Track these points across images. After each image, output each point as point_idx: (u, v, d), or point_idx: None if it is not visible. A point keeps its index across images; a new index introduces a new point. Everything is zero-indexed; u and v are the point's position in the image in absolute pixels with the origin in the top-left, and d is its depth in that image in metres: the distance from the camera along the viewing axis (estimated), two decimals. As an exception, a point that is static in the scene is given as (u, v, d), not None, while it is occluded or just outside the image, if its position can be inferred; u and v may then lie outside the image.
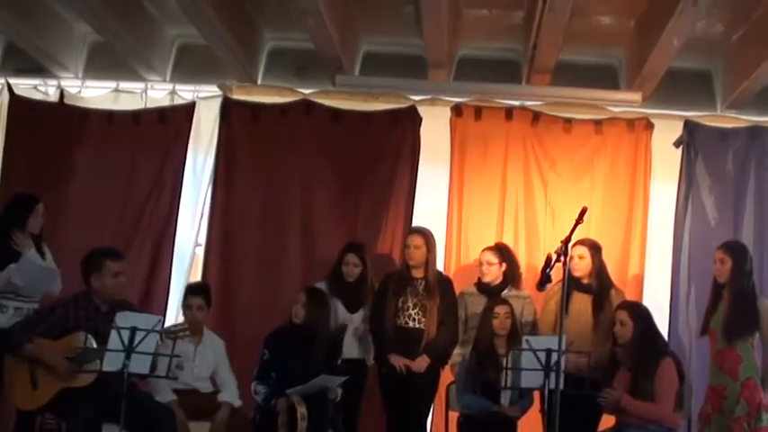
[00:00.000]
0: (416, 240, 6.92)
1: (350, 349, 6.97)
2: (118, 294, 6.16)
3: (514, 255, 7.27)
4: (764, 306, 6.33)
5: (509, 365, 6.11)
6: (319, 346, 6.55)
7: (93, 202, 8.00)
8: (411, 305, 6.84)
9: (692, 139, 7.71)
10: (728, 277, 6.37)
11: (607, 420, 6.58)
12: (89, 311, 6.07)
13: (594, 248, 6.90)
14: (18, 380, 5.96)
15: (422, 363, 6.72)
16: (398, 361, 6.72)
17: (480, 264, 7.17)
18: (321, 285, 7.02)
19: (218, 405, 6.59)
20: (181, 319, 7.19)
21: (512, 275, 7.14)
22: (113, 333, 5.64)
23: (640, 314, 6.37)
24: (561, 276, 5.82)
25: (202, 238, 8.04)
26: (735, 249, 6.49)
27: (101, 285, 6.10)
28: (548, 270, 5.73)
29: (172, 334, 6.08)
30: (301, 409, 6.32)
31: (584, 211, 5.71)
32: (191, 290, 6.94)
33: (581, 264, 6.83)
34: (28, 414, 6.23)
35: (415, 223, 7.69)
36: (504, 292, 7.01)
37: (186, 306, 6.82)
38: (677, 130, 7.75)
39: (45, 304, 6.38)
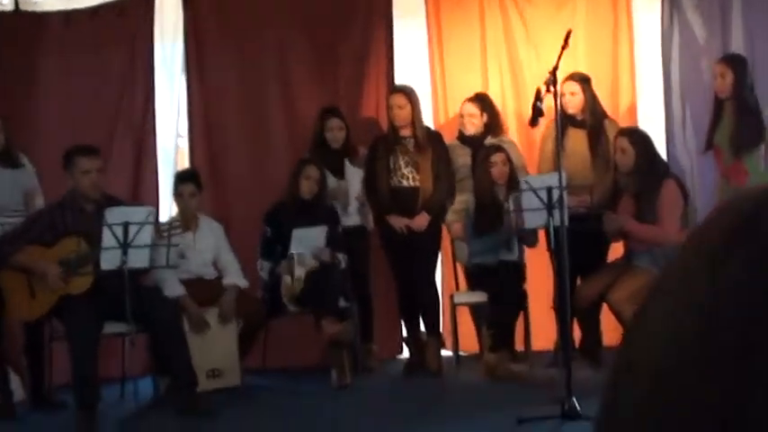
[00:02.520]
0: (399, 100, 6.79)
1: (348, 217, 6.91)
2: (93, 192, 5.97)
3: (494, 103, 7.11)
4: None
5: (511, 210, 6.07)
6: (322, 216, 6.55)
7: (66, 107, 7.79)
8: (403, 164, 6.76)
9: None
10: (731, 91, 6.25)
11: (614, 254, 6.56)
12: (75, 213, 5.94)
13: (584, 81, 6.75)
14: (16, 291, 5.89)
15: (422, 220, 6.66)
16: (398, 222, 6.67)
17: (461, 116, 7.04)
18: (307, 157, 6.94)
19: (224, 289, 6.57)
20: (174, 209, 7.12)
21: (493, 124, 6.99)
22: (106, 230, 5.57)
23: (640, 139, 6.29)
24: (553, 114, 5.69)
25: (183, 129, 7.88)
26: (736, 62, 6.37)
27: (74, 184, 5.96)
28: (538, 103, 5.59)
29: (165, 231, 6.01)
30: (298, 271, 6.32)
31: (568, 35, 5.56)
32: (180, 177, 6.84)
33: (573, 100, 6.68)
34: (36, 328, 6.20)
35: (397, 82, 7.51)
36: (487, 141, 6.88)
37: (177, 194, 6.73)
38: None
39: (31, 214, 6.27)
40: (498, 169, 6.53)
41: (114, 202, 6.08)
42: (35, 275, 5.82)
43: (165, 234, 5.98)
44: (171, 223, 6.29)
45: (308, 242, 6.47)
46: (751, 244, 0.58)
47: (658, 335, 0.60)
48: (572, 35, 6.87)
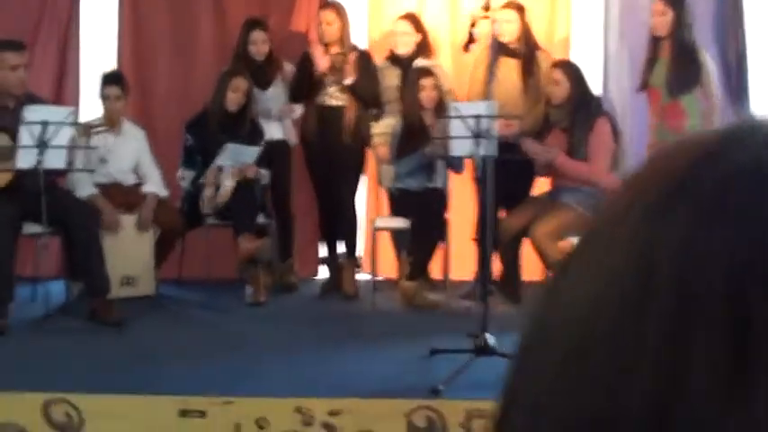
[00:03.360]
0: (328, 16, 6.65)
1: (270, 130, 6.80)
2: (19, 89, 5.82)
3: (424, 24, 6.98)
4: (705, 58, 6.17)
5: (438, 135, 6.00)
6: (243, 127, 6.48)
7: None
8: (329, 83, 6.63)
9: None
10: (669, 29, 6.13)
11: (539, 188, 6.55)
12: None
13: (520, 10, 6.64)
14: None
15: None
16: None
17: (394, 34, 6.92)
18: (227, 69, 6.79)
19: (143, 196, 6.46)
20: (97, 112, 6.95)
21: (423, 46, 6.87)
22: (23, 129, 5.43)
23: (575, 72, 6.21)
24: (486, 40, 5.59)
25: (112, 27, 7.65)
26: (676, 0, 6.26)
27: (1, 79, 5.78)
28: (472, 29, 5.50)
29: (89, 128, 5.88)
30: (228, 182, 6.24)
31: None
32: (106, 79, 6.63)
33: (508, 28, 6.51)
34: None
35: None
36: (416, 62, 6.78)
37: (104, 96, 6.54)
38: None
39: None
40: (427, 93, 6.44)
41: (37, 100, 5.92)
42: None
43: (89, 133, 5.85)
44: (94, 122, 6.15)
45: (237, 158, 6.37)
46: (697, 197, 0.50)
47: (578, 301, 0.52)
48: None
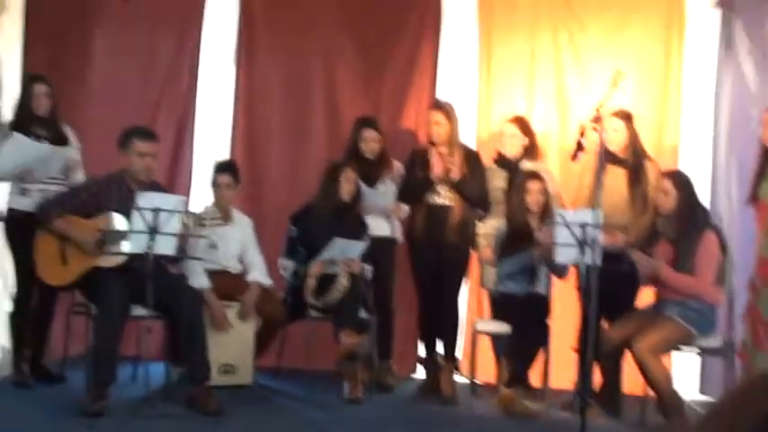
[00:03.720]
0: (437, 116, 6.70)
1: (377, 226, 6.86)
2: (145, 176, 6.04)
3: (532, 128, 7.03)
4: None
5: (542, 241, 6.00)
6: (347, 220, 6.57)
7: (114, 83, 7.84)
8: (437, 181, 6.67)
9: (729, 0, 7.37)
10: None
11: (646, 299, 6.45)
12: (122, 192, 5.97)
13: (627, 119, 6.60)
14: (48, 255, 5.93)
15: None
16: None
17: (502, 135, 6.97)
18: None
19: (247, 285, 6.55)
20: (208, 199, 7.11)
21: (531, 148, 6.93)
22: (136, 214, 5.57)
23: (684, 183, 6.10)
24: (595, 148, 5.60)
25: (226, 117, 7.87)
26: None
27: (128, 164, 6.01)
28: (581, 139, 5.52)
29: (201, 219, 6.02)
30: (343, 280, 6.28)
31: (618, 75, 5.47)
32: (219, 168, 6.83)
33: (616, 137, 6.52)
34: (50, 292, 6.29)
35: (444, 96, 7.46)
36: (524, 165, 6.82)
37: (215, 185, 6.73)
38: (714, -10, 7.42)
39: (80, 183, 6.32)
40: (533, 197, 6.45)
41: (160, 189, 6.11)
42: (70, 243, 5.86)
43: (203, 224, 5.99)
44: (209, 214, 6.31)
45: (344, 252, 6.42)
46: None
47: None
48: (621, 67, 6.87)
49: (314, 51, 7.77)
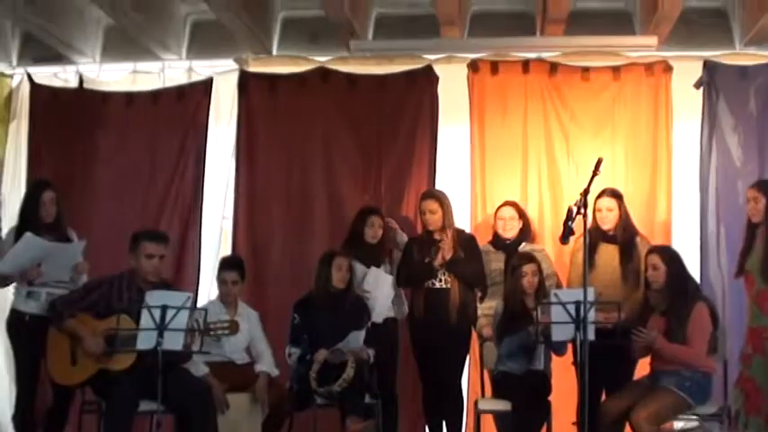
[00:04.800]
0: (431, 205, 6.91)
1: (381, 312, 6.99)
2: (152, 276, 6.23)
3: (525, 212, 7.27)
4: None
5: (539, 320, 6.14)
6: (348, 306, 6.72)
7: (119, 184, 8.07)
8: (435, 266, 6.84)
9: (712, 79, 7.60)
10: (763, 216, 6.26)
11: (641, 370, 6.59)
12: (132, 292, 6.16)
13: (620, 198, 6.85)
14: (59, 354, 6.08)
15: None
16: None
17: (499, 219, 7.16)
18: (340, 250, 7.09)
19: (255, 375, 6.67)
20: (213, 293, 7.27)
21: (527, 231, 7.14)
22: (144, 312, 5.73)
23: (672, 257, 6.33)
24: (581, 230, 5.80)
25: (228, 212, 8.08)
26: None
27: (136, 265, 6.20)
28: (569, 223, 5.71)
29: (211, 331, 6.18)
30: (351, 371, 6.39)
31: (599, 163, 5.68)
32: (225, 264, 6.99)
33: (610, 216, 6.77)
34: (65, 391, 6.39)
35: (438, 184, 7.70)
36: (521, 247, 7.01)
37: (221, 281, 6.89)
38: (697, 71, 7.65)
39: (91, 281, 6.47)
40: (528, 279, 6.63)
41: (171, 287, 6.29)
42: (80, 343, 6.01)
43: (212, 333, 6.17)
44: (220, 323, 6.45)
45: (350, 342, 6.57)
46: None
47: None
48: (612, 151, 7.13)
49: (312, 144, 8.01)
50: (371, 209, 7.24)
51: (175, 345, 5.84)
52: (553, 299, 5.89)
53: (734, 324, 6.77)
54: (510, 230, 7.12)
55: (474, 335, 7.01)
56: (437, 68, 7.97)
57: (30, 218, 6.54)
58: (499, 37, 7.93)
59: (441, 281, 6.85)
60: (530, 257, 6.75)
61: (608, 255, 6.72)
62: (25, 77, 8.39)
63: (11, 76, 8.51)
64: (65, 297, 6.22)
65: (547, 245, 7.43)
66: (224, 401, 6.42)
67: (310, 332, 6.68)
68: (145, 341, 5.78)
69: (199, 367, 6.44)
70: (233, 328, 6.48)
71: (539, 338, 6.32)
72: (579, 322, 5.67)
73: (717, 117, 7.55)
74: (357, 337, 6.59)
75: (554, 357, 6.68)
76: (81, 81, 8.36)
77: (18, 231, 6.47)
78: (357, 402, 6.44)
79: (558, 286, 6.85)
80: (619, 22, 8.03)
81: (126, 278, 6.23)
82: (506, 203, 7.24)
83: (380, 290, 6.97)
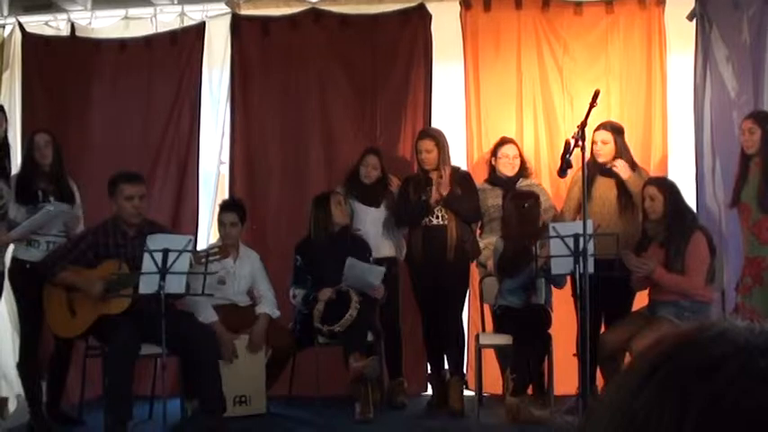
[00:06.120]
0: (426, 144, 6.93)
1: (381, 248, 7.05)
2: (134, 217, 6.23)
3: (521, 149, 7.28)
4: None
5: (538, 254, 6.18)
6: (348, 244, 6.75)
7: (115, 131, 8.06)
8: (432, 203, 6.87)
9: (704, 10, 7.55)
10: (759, 147, 6.28)
11: (640, 302, 6.64)
12: (117, 237, 6.19)
13: (616, 131, 6.84)
14: (57, 308, 6.13)
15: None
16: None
17: (503, 158, 7.17)
18: (340, 189, 7.12)
19: (256, 317, 6.72)
20: (213, 237, 7.31)
21: (523, 167, 7.17)
22: (146, 256, 5.76)
23: (669, 188, 6.37)
24: (579, 163, 5.82)
25: (225, 156, 8.09)
26: (764, 119, 6.36)
27: (117, 209, 6.21)
28: (567, 156, 5.73)
29: (203, 258, 6.18)
30: (356, 299, 6.43)
31: (596, 94, 5.69)
32: (224, 207, 7.03)
33: (605, 148, 6.77)
34: (66, 341, 6.45)
35: (434, 123, 7.68)
36: (518, 184, 7.05)
37: (220, 223, 6.93)
38: (689, 2, 7.61)
39: (76, 234, 6.49)
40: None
41: (155, 227, 6.31)
42: (77, 294, 6.06)
43: (203, 261, 6.15)
44: (209, 250, 6.44)
45: (363, 276, 6.60)
46: (664, 381, 0.71)
47: None
48: (607, 85, 7.10)
49: (307, 84, 7.97)
50: (370, 148, 7.27)
51: (178, 289, 5.89)
52: (552, 232, 5.92)
53: (731, 255, 6.81)
54: (512, 168, 7.14)
55: (473, 271, 7.05)
56: (430, 6, 7.92)
57: (27, 162, 6.54)
58: (489, -27, 7.88)
59: (438, 218, 6.88)
60: (530, 193, 6.79)
61: (605, 188, 6.74)
62: (17, 26, 8.33)
63: (2, 26, 8.44)
64: (54, 253, 6.24)
65: (544, 179, 7.45)
66: (231, 352, 6.48)
67: (313, 272, 6.72)
68: (147, 285, 5.83)
69: (208, 314, 6.48)
70: (223, 252, 6.46)
71: (539, 274, 6.38)
72: (579, 254, 5.72)
73: (710, 48, 7.51)
74: (372, 273, 6.61)
75: (554, 290, 6.73)
76: (73, 29, 8.30)
77: (19, 179, 6.47)
78: (359, 339, 6.51)
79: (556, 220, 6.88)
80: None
81: (110, 223, 6.25)
82: (508, 141, 7.24)
83: (370, 228, 7.01)
